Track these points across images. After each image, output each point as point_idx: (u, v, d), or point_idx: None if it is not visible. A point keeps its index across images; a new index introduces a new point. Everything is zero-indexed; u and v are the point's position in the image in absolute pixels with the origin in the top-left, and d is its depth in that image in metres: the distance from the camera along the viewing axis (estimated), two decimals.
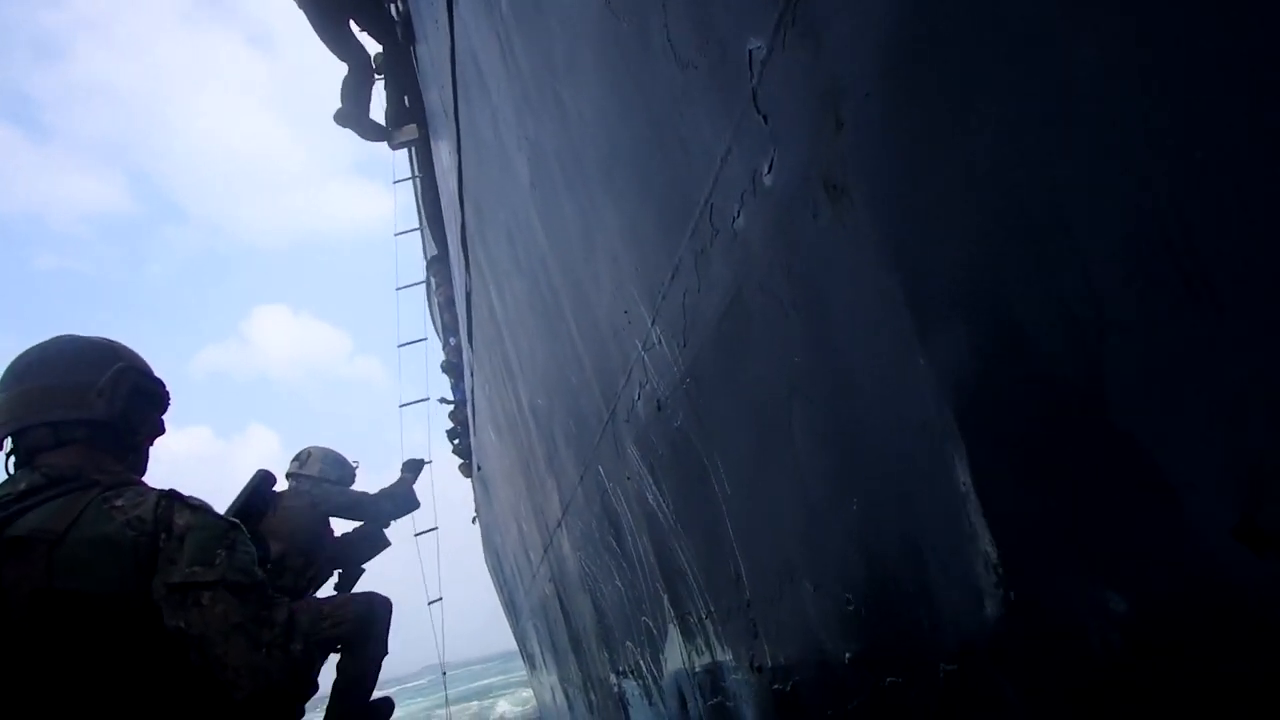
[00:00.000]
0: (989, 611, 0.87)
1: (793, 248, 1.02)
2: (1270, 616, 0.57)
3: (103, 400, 1.60)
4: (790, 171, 0.96)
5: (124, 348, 1.72)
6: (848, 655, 1.22)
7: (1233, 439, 0.56)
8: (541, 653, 6.45)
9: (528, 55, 1.97)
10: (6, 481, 1.58)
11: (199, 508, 1.53)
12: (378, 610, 3.78)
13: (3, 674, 1.40)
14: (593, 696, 4.07)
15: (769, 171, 1.01)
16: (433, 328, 11.79)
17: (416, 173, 7.58)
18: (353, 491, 4.25)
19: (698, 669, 2.07)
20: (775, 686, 1.54)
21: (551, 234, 2.30)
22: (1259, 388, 0.54)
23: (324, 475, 4.24)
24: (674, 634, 2.20)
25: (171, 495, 1.52)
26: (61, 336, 1.72)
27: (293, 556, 3.98)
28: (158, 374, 1.74)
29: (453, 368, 8.81)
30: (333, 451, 4.58)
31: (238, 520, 1.58)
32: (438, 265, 7.36)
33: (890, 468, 0.97)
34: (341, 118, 6.24)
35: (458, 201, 3.88)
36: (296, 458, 4.42)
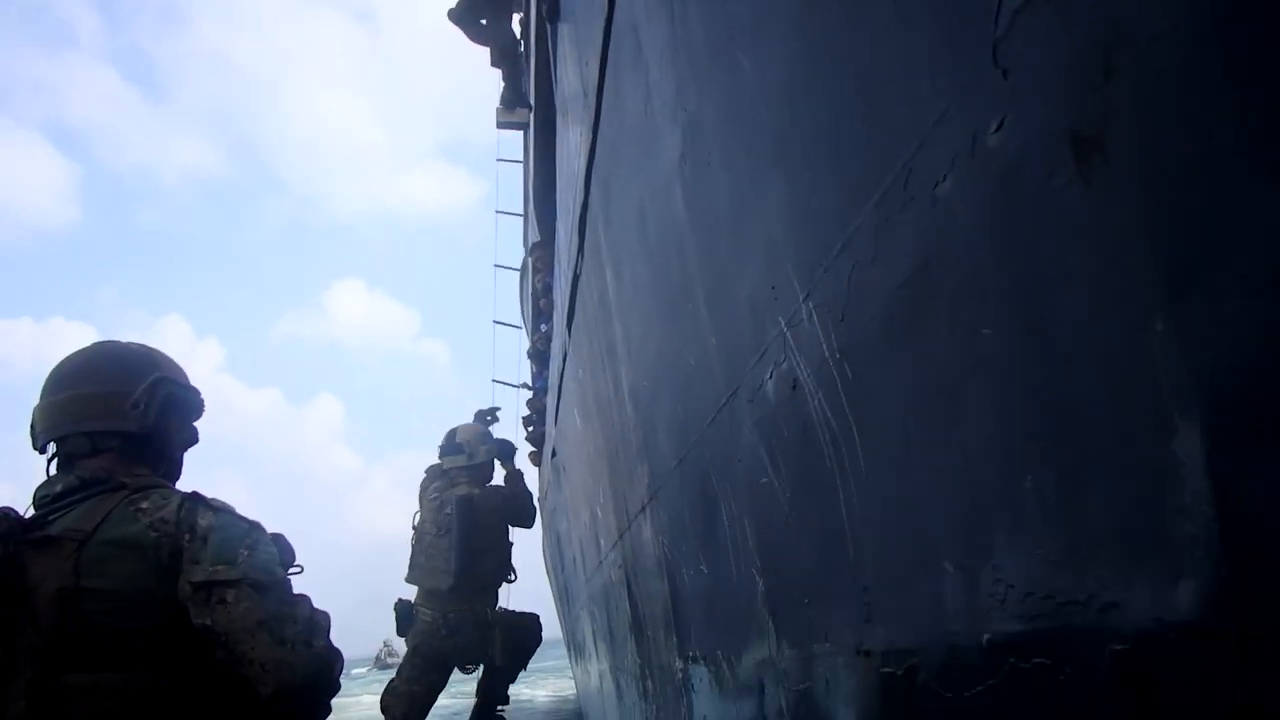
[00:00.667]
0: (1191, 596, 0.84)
1: (1014, 212, 1.02)
2: None
3: (136, 412, 1.65)
4: (1027, 130, 0.96)
5: (162, 356, 1.75)
6: (985, 638, 1.21)
7: None
8: (595, 640, 6.47)
9: (703, 22, 2.00)
10: (45, 483, 1.65)
11: (221, 509, 1.59)
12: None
13: (30, 669, 1.44)
14: (649, 684, 4.06)
15: (996, 130, 1.01)
16: (520, 314, 11.98)
17: (530, 156, 7.74)
18: (522, 492, 4.59)
19: (785, 655, 2.05)
20: (884, 670, 1.52)
21: (696, 210, 2.33)
22: None
23: (489, 459, 4.58)
24: (763, 619, 2.19)
25: (194, 497, 1.58)
26: (104, 343, 1.77)
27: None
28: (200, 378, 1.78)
29: (539, 355, 8.94)
30: (480, 428, 4.96)
31: (258, 521, 1.63)
32: (539, 251, 7.49)
33: (1100, 447, 0.95)
34: (455, 14, 6.59)
35: (583, 182, 3.94)
36: (460, 449, 4.70)
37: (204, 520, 1.54)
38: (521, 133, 9.06)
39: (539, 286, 7.82)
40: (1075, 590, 1.02)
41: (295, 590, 1.62)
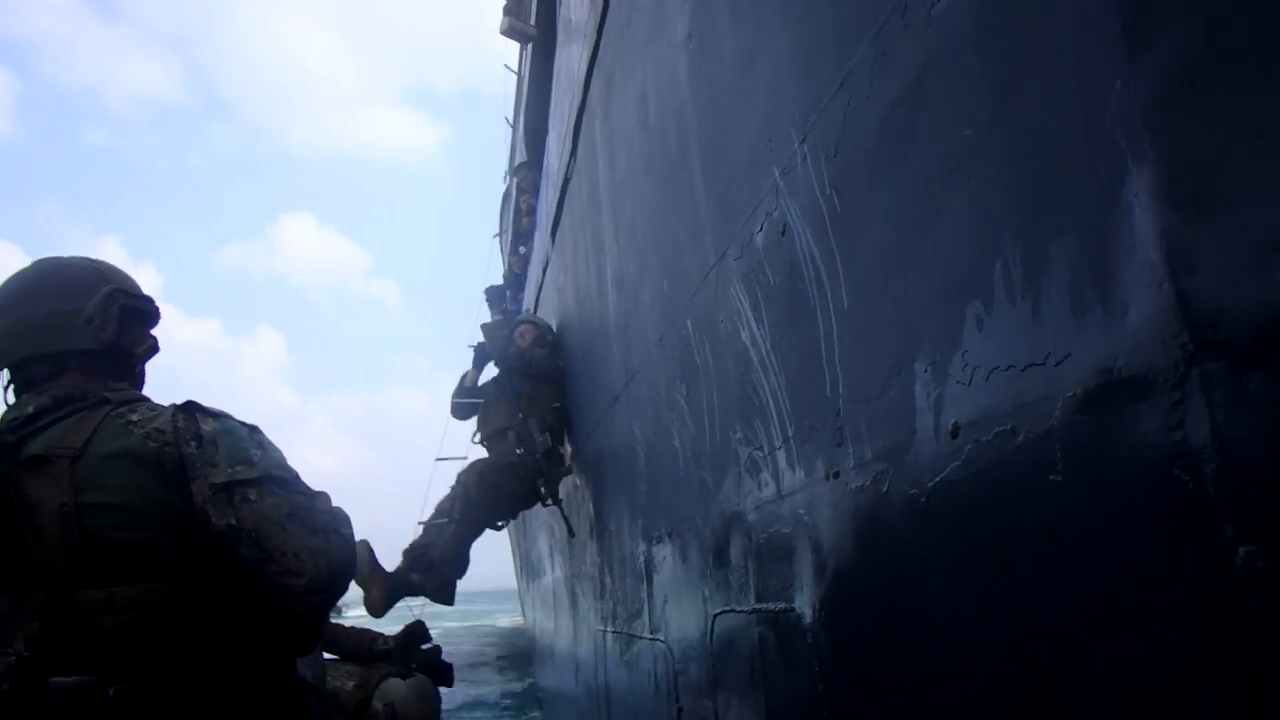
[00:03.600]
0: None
1: (996, 19, 1.11)
2: None
3: (93, 328, 1.59)
4: None
5: (109, 267, 1.69)
6: (952, 422, 1.32)
7: None
8: (551, 554, 6.63)
9: None
10: (13, 406, 1.58)
11: (221, 414, 1.56)
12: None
13: (41, 588, 1.41)
14: (607, 579, 4.21)
15: None
16: (500, 246, 12.00)
17: (525, 80, 7.71)
18: None
19: (756, 504, 2.17)
20: (855, 485, 1.64)
21: (699, 79, 2.40)
22: None
23: None
24: (734, 474, 2.31)
25: (191, 406, 1.55)
26: (45, 261, 1.69)
27: None
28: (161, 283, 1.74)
29: (516, 279, 8.99)
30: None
31: (255, 424, 1.60)
32: (524, 171, 7.50)
33: (1062, 222, 1.06)
34: None
35: (582, 83, 3.98)
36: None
37: (208, 426, 1.52)
38: (515, 65, 9.05)
39: (523, 207, 7.84)
40: (1035, 353, 1.13)
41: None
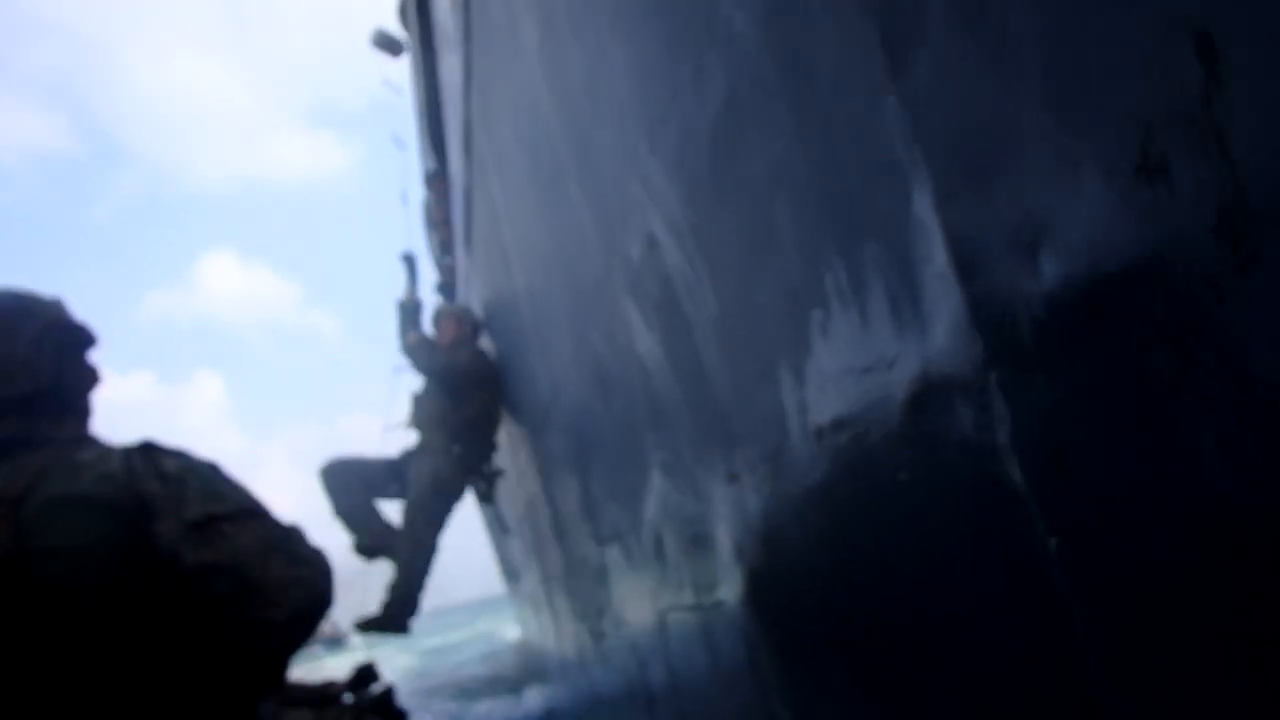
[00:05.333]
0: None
1: (784, 37, 1.13)
2: None
3: (27, 372, 1.51)
4: None
5: (33, 299, 1.60)
6: (815, 425, 1.35)
7: None
8: (526, 558, 6.65)
9: None
10: None
11: (180, 452, 1.52)
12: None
13: None
14: (574, 580, 4.24)
15: None
16: (429, 258, 11.85)
17: (416, 85, 7.58)
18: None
19: (675, 507, 2.21)
20: (744, 485, 1.67)
21: (557, 96, 2.38)
22: None
23: None
24: (656, 480, 2.34)
25: (148, 446, 1.49)
26: None
27: None
28: (79, 317, 1.62)
29: (446, 288, 8.88)
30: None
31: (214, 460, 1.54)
32: (435, 181, 7.38)
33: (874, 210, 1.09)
34: None
35: (463, 94, 3.94)
36: None
37: (171, 464, 1.47)
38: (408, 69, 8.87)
39: (438, 218, 7.73)
40: (869, 358, 1.16)
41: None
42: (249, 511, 1.46)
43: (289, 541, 1.49)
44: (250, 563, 1.41)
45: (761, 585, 1.73)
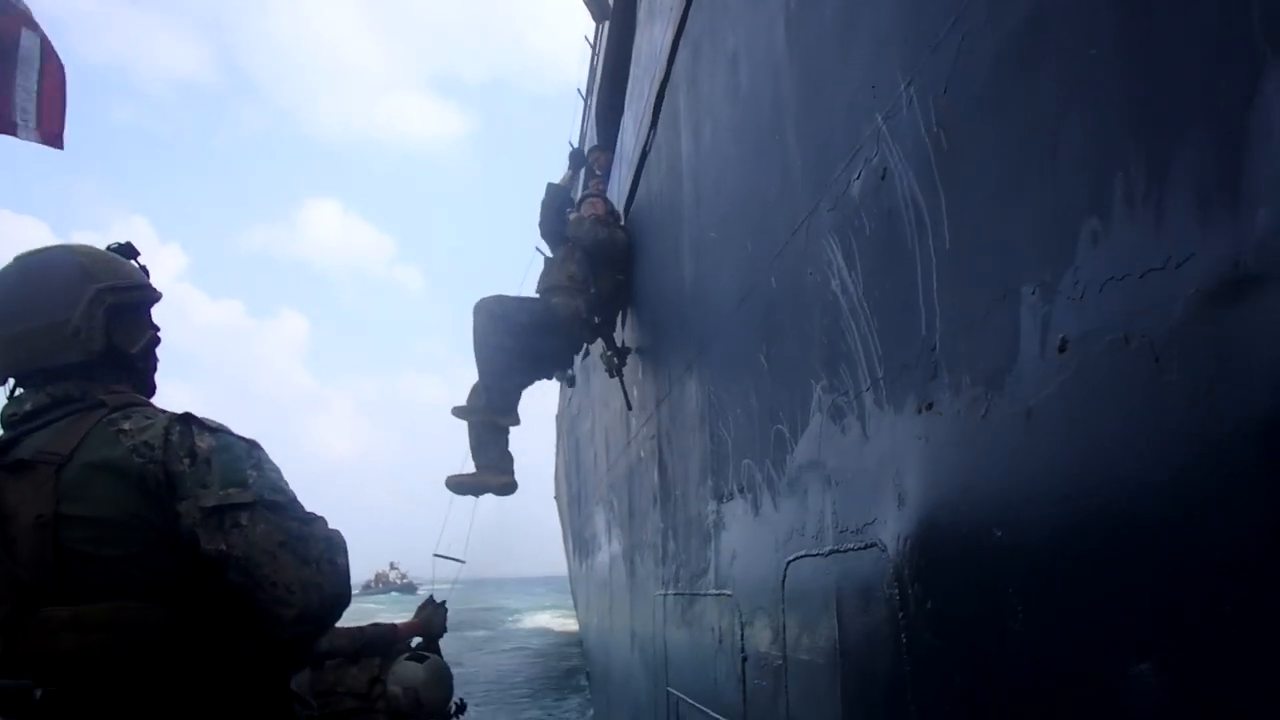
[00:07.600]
0: None
1: None
2: None
3: (80, 340, 1.51)
4: None
5: (88, 258, 1.58)
6: (1060, 338, 1.36)
7: None
8: (609, 528, 6.72)
9: None
10: (11, 401, 1.53)
11: (219, 429, 1.50)
12: None
13: (6, 602, 1.35)
14: (671, 544, 4.28)
15: None
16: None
17: (600, 64, 7.85)
18: None
19: (835, 448, 2.22)
20: (949, 414, 1.69)
21: (798, 38, 2.46)
22: None
23: None
24: (816, 424, 2.36)
25: (187, 418, 1.48)
26: (21, 262, 1.57)
27: None
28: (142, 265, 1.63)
29: None
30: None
31: (255, 440, 1.54)
32: (597, 154, 7.61)
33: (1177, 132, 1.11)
34: None
35: (669, 52, 4.06)
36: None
37: (203, 442, 1.45)
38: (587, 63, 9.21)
39: (594, 189, 7.99)
40: (1153, 254, 1.17)
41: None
42: (269, 503, 1.44)
43: (304, 539, 1.46)
44: (260, 559, 1.40)
45: (939, 520, 1.73)
